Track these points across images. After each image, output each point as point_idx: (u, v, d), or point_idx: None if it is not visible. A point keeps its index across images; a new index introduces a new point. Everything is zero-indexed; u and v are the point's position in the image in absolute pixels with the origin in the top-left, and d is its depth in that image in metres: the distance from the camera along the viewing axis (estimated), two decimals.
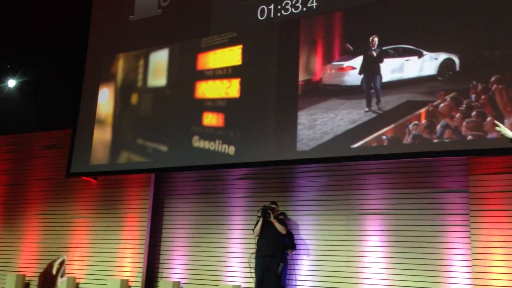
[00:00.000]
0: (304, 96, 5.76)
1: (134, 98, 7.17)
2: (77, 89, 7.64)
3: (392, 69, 5.29)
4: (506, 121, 4.62)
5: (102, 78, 7.49)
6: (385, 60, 5.33)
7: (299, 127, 5.66)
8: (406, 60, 5.21)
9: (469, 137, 4.86)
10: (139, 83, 7.20)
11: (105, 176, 7.41)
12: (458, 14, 5.11)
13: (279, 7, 6.20)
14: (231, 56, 6.44)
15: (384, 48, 5.36)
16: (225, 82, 6.42)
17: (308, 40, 5.86)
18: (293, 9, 6.10)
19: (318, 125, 5.54)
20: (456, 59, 5.00)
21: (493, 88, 4.78)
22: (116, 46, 7.48)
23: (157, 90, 7.00)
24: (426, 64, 5.13)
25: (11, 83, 8.44)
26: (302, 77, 5.75)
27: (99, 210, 7.44)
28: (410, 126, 5.12)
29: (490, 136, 4.76)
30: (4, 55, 8.82)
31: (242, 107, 6.22)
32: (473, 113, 4.86)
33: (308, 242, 6.06)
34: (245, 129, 6.12)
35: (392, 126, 5.23)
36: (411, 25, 5.30)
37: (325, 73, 5.70)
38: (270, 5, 6.27)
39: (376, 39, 5.45)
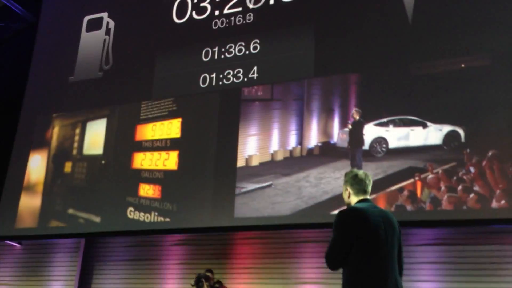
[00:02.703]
0: (319, 156, 5.77)
1: (68, 166, 6.99)
2: (6, 150, 7.35)
3: (398, 137, 5.47)
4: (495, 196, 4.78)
5: (35, 143, 7.27)
6: (392, 128, 5.50)
7: (305, 184, 5.67)
8: (411, 130, 5.42)
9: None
10: (74, 151, 7.05)
11: (31, 241, 7.02)
12: (459, 88, 5.28)
13: (220, 76, 6.39)
14: (170, 128, 6.48)
15: (391, 118, 5.52)
16: (163, 154, 6.42)
17: (325, 107, 5.93)
18: (234, 79, 6.30)
19: (322, 184, 5.61)
20: (461, 131, 5.17)
21: (484, 163, 4.93)
22: (52, 107, 7.35)
23: (92, 159, 6.86)
24: (431, 134, 5.31)
25: None
26: (319, 139, 5.80)
27: (23, 277, 6.99)
28: (402, 194, 5.20)
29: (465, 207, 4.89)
30: None
31: (179, 179, 6.19)
32: (459, 187, 4.97)
33: None
34: (182, 201, 6.07)
35: (381, 193, 5.26)
36: (414, 99, 5.46)
37: (338, 137, 5.77)
38: (212, 73, 6.44)
39: (354, 112, 5.66)
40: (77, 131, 7.13)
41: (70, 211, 6.69)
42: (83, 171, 6.88)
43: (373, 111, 5.64)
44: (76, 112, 7.21)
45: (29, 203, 6.95)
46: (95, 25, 7.59)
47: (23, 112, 7.52)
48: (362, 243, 2.79)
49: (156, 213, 6.17)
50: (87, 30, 7.63)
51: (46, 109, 7.39)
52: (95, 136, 6.98)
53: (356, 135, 5.64)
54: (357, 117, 5.66)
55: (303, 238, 5.94)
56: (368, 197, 3.07)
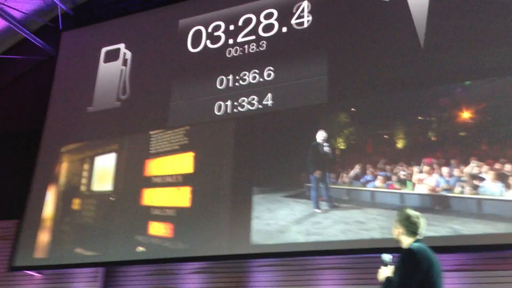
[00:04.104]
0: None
1: (76, 203, 6.96)
2: (28, 178, 7.46)
3: None
4: None
5: (49, 177, 7.31)
6: None
7: (316, 211, 5.58)
8: None
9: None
10: (83, 188, 7.03)
11: (50, 270, 7.07)
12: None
13: (235, 103, 6.44)
14: (182, 163, 6.42)
15: None
16: (175, 190, 6.33)
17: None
18: (249, 106, 6.34)
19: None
20: None
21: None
22: (72, 136, 7.45)
23: (101, 195, 6.83)
24: None
25: None
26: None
27: None
28: None
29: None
30: None
31: (192, 216, 6.10)
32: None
33: None
34: (195, 239, 5.99)
35: None
36: None
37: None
38: (227, 101, 6.50)
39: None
40: (86, 166, 7.12)
41: (78, 250, 6.64)
42: (92, 209, 6.81)
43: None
44: (85, 147, 7.24)
45: (40, 238, 6.97)
46: (112, 56, 7.75)
47: (43, 144, 7.64)
48: (428, 283, 2.99)
49: (167, 254, 6.09)
50: (105, 61, 7.79)
51: (64, 141, 7.49)
52: (103, 172, 6.93)
53: None
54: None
55: (322, 265, 5.87)
56: (420, 238, 3.21)
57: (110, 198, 6.74)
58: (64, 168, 7.30)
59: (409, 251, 3.09)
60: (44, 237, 6.97)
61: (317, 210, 5.56)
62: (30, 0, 8.48)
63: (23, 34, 8.64)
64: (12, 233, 7.46)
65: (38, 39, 8.70)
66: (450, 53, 5.47)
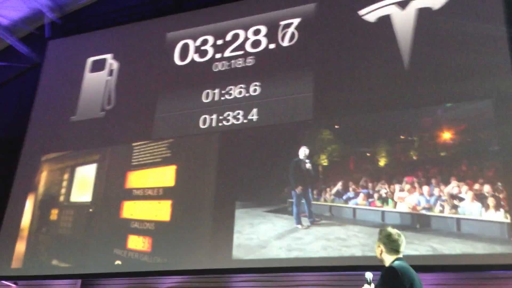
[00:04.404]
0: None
1: (54, 214, 6.85)
2: (7, 187, 7.36)
3: None
4: None
5: (27, 185, 7.21)
6: None
7: (298, 227, 5.58)
8: None
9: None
10: (61, 198, 6.94)
11: (26, 281, 6.94)
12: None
13: (220, 117, 6.46)
14: (164, 176, 6.39)
15: None
16: (155, 203, 6.28)
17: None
18: (234, 120, 6.37)
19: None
20: None
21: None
22: (54, 145, 7.39)
23: (80, 206, 6.75)
24: None
25: None
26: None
27: None
28: None
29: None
30: None
31: (172, 230, 6.06)
32: None
33: None
34: (174, 254, 5.93)
35: None
36: None
37: None
38: (212, 115, 6.52)
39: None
40: (66, 176, 7.04)
41: (54, 262, 6.52)
42: (70, 220, 6.71)
43: None
44: (66, 156, 7.17)
45: (17, 248, 6.85)
46: (98, 66, 7.74)
47: (24, 152, 7.55)
48: None
49: (145, 268, 6.01)
50: (91, 71, 7.77)
51: (45, 150, 7.41)
52: (83, 182, 6.85)
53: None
54: None
55: (303, 281, 5.86)
56: (401, 256, 3.24)
57: (89, 209, 6.66)
58: (44, 178, 7.22)
59: (391, 270, 3.12)
60: (21, 247, 6.86)
61: (298, 226, 5.58)
62: (17, 8, 8.45)
63: (8, 41, 8.59)
64: None
65: (23, 46, 8.66)
66: (433, 75, 5.58)
